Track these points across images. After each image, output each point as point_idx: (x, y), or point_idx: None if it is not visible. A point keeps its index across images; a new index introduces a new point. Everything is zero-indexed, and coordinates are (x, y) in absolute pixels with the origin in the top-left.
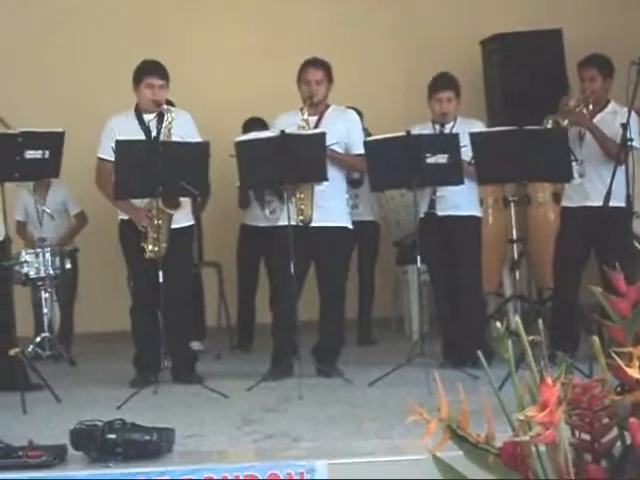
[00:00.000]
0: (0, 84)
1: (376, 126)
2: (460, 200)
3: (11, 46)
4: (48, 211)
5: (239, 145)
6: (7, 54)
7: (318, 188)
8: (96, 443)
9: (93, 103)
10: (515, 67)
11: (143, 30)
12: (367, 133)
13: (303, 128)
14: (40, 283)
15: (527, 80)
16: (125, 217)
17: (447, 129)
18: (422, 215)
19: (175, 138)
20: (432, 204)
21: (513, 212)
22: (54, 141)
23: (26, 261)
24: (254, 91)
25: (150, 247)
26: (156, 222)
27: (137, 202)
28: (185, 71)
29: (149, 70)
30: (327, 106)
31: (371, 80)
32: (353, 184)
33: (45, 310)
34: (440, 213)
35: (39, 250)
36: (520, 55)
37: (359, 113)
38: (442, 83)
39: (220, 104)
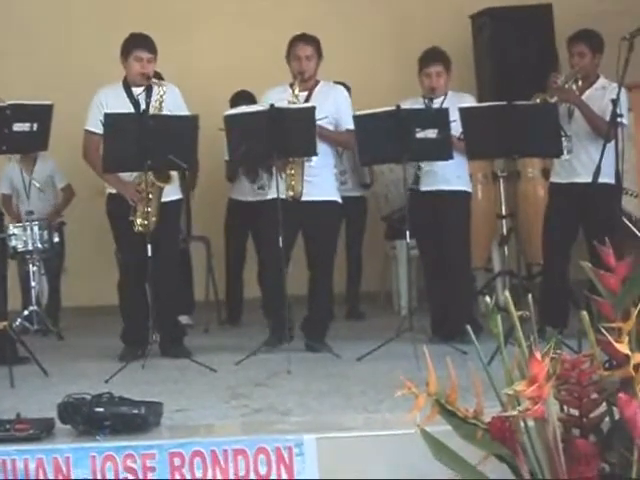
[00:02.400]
0: None
1: (366, 101)
2: (450, 175)
3: (0, 17)
4: (37, 185)
5: (228, 119)
6: None
7: (308, 163)
8: (84, 416)
9: (82, 75)
10: (505, 41)
11: (133, 2)
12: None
13: (293, 104)
14: (28, 256)
15: (517, 55)
16: (113, 191)
17: (438, 104)
18: (409, 186)
19: (164, 112)
20: (416, 180)
21: (502, 187)
22: (42, 114)
23: (14, 234)
24: (243, 64)
25: (139, 221)
26: (146, 196)
27: (126, 176)
28: (174, 44)
29: (137, 43)
30: (317, 82)
31: (361, 54)
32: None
33: (33, 284)
34: (429, 188)
35: (27, 223)
36: (510, 29)
37: (347, 88)
38: (432, 57)
39: (209, 77)
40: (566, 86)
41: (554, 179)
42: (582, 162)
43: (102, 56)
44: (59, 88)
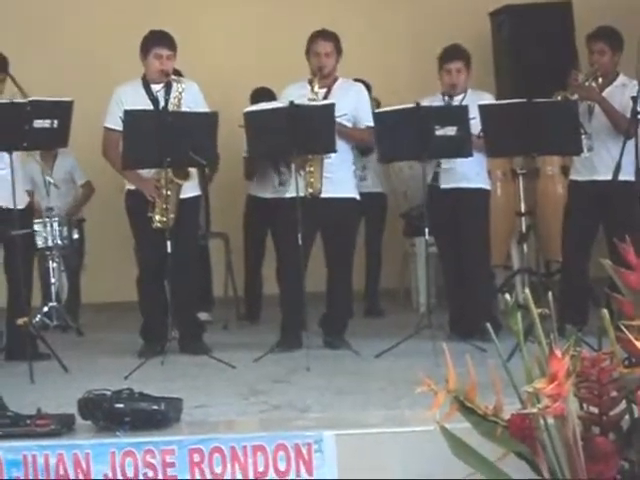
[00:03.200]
0: (8, 52)
1: (385, 98)
2: (469, 172)
3: (21, 14)
4: (52, 181)
5: (248, 115)
6: (16, 22)
7: (326, 160)
8: (104, 412)
9: (102, 72)
10: (524, 39)
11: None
12: (377, 103)
13: (312, 100)
14: (48, 253)
15: (536, 52)
16: (132, 187)
17: (457, 101)
18: (428, 183)
19: (184, 109)
20: (435, 177)
21: (522, 185)
22: (63, 110)
23: (34, 231)
24: (263, 61)
25: (158, 217)
26: (165, 192)
27: (144, 172)
28: (194, 41)
29: (157, 40)
30: (336, 78)
31: (380, 52)
32: (363, 152)
33: (53, 280)
34: (449, 185)
35: (47, 220)
36: (530, 27)
37: (367, 86)
38: (452, 54)
39: (229, 74)
40: (586, 84)
41: (574, 177)
42: (602, 160)
43: (123, 53)
44: (80, 85)
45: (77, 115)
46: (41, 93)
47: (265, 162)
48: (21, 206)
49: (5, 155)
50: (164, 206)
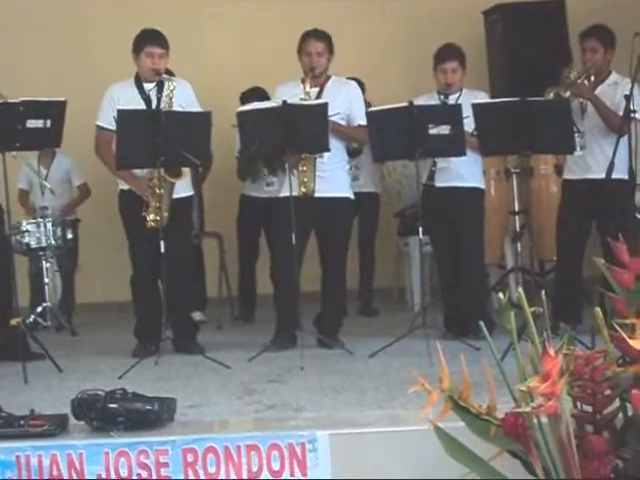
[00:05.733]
0: (1, 53)
1: (379, 97)
2: (464, 171)
3: (12, 13)
4: (48, 186)
5: (241, 115)
6: (8, 20)
7: (319, 160)
8: (97, 412)
9: (96, 72)
10: (518, 37)
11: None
12: (368, 105)
13: (305, 100)
14: (41, 253)
15: (530, 50)
16: (125, 187)
17: (452, 100)
18: (423, 182)
19: (175, 107)
20: (431, 176)
21: (515, 184)
22: (56, 110)
23: (27, 231)
24: (256, 61)
25: (152, 217)
26: (158, 191)
27: (137, 171)
28: (187, 40)
29: (149, 39)
30: (328, 77)
31: (374, 51)
32: (352, 154)
33: (46, 280)
34: (443, 184)
35: (40, 220)
36: (523, 25)
37: (361, 84)
38: (447, 54)
39: (222, 74)
40: (578, 81)
41: (567, 176)
42: (595, 158)
43: (119, 53)
44: (74, 85)
45: (70, 115)
46: (34, 93)
47: (258, 162)
48: None
49: None
50: (157, 205)
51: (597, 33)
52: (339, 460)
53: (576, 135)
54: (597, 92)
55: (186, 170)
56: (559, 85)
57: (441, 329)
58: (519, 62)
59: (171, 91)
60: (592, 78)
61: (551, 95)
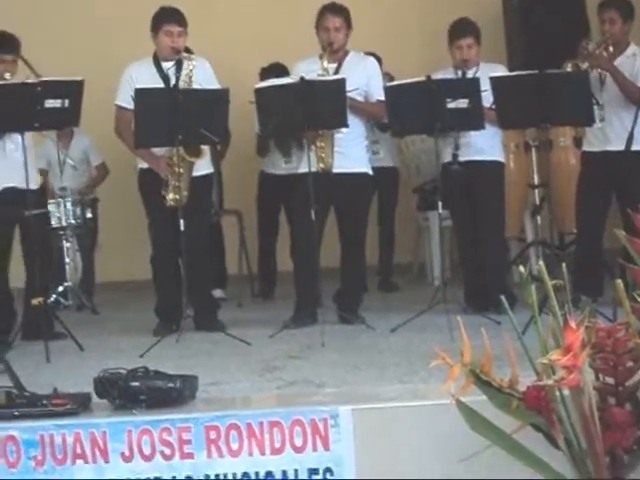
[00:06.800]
0: (19, 31)
1: (396, 72)
2: (484, 145)
3: None
4: (72, 163)
5: (258, 92)
6: (24, 2)
7: (337, 135)
8: (120, 391)
9: (114, 51)
10: (535, 10)
11: None
12: (389, 77)
13: (323, 76)
14: (62, 232)
15: (547, 23)
16: (145, 166)
17: (470, 74)
18: (445, 161)
19: (195, 86)
20: (454, 158)
21: (534, 157)
22: (73, 90)
23: (48, 211)
24: (274, 36)
25: (171, 195)
26: (177, 170)
27: (157, 150)
28: (203, 17)
29: (168, 17)
30: (346, 52)
31: (389, 26)
32: (381, 129)
33: (67, 260)
34: (464, 158)
35: (60, 200)
36: None
37: (378, 59)
38: (462, 30)
39: (240, 50)
40: (597, 52)
41: (587, 148)
42: (615, 130)
43: (135, 31)
44: (92, 65)
45: (88, 95)
46: (53, 73)
47: (277, 138)
48: (34, 186)
49: (15, 135)
50: (177, 184)
51: (616, 4)
52: (361, 435)
53: (595, 107)
54: (616, 63)
55: (206, 148)
56: (577, 57)
57: (462, 304)
58: (537, 34)
59: (190, 70)
60: (611, 49)
61: (569, 67)
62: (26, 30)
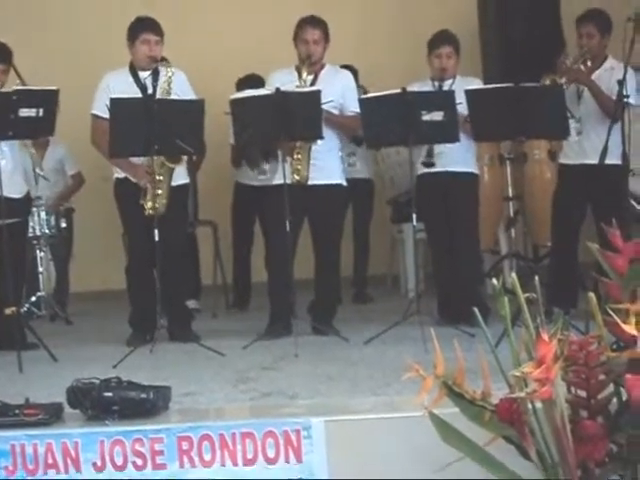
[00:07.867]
0: None
1: (373, 83)
2: (458, 156)
3: (3, 1)
4: (42, 174)
5: (234, 102)
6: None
7: (313, 147)
8: (92, 401)
9: (91, 61)
10: (511, 22)
11: None
12: (363, 90)
13: (300, 87)
14: (35, 242)
15: (523, 35)
16: (120, 175)
17: (446, 86)
18: (419, 172)
19: (172, 96)
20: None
21: (509, 169)
22: (48, 99)
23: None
24: (249, 47)
25: (150, 204)
26: (157, 177)
27: (135, 159)
28: (179, 27)
29: (144, 26)
30: (323, 65)
31: (368, 37)
32: (357, 143)
33: (40, 269)
34: (438, 169)
35: (34, 209)
36: (516, 10)
37: (354, 71)
38: (442, 39)
39: (216, 60)
40: (575, 67)
41: (563, 160)
42: (592, 143)
43: (113, 40)
44: (69, 74)
45: (64, 103)
46: (28, 82)
47: (255, 149)
48: (19, 195)
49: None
50: (156, 192)
51: (594, 18)
52: (334, 446)
53: (573, 120)
54: (593, 77)
55: (183, 156)
56: (555, 71)
57: (435, 316)
58: (513, 46)
59: (169, 77)
60: (588, 63)
61: (547, 82)
62: (3, 38)
